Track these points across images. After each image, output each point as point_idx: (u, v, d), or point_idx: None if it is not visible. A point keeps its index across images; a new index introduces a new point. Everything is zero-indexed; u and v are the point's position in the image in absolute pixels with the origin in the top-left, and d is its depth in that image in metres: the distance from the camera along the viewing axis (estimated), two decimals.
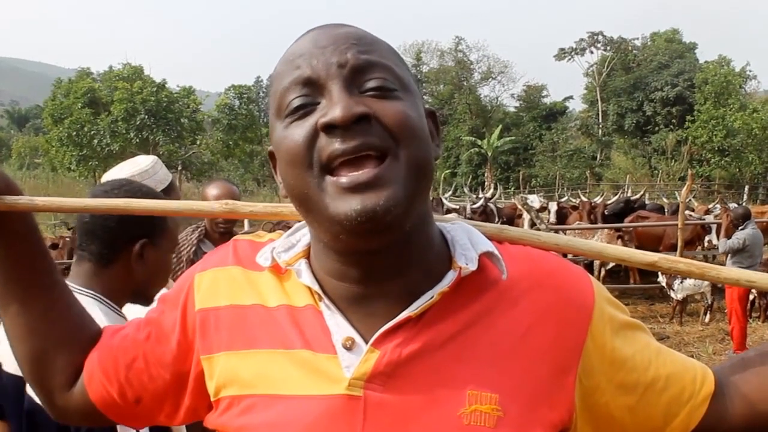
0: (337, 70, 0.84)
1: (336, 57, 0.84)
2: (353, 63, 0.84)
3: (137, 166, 2.60)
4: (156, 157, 2.72)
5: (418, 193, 0.85)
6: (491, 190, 19.99)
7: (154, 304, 1.22)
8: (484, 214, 13.41)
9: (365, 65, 0.85)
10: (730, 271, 1.01)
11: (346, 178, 0.81)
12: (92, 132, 30.81)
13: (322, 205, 0.83)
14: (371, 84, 0.84)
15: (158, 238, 1.71)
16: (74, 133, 30.90)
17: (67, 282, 1.91)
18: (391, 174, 0.82)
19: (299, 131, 0.84)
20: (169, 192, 2.57)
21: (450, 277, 0.89)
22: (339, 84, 0.83)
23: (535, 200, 15.64)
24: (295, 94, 0.85)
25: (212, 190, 3.55)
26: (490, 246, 0.93)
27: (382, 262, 0.88)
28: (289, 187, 0.88)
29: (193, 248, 3.46)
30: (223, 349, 0.95)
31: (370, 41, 0.88)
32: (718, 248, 9.56)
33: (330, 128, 0.81)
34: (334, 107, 0.81)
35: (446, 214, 1.22)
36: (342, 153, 0.81)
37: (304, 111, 0.85)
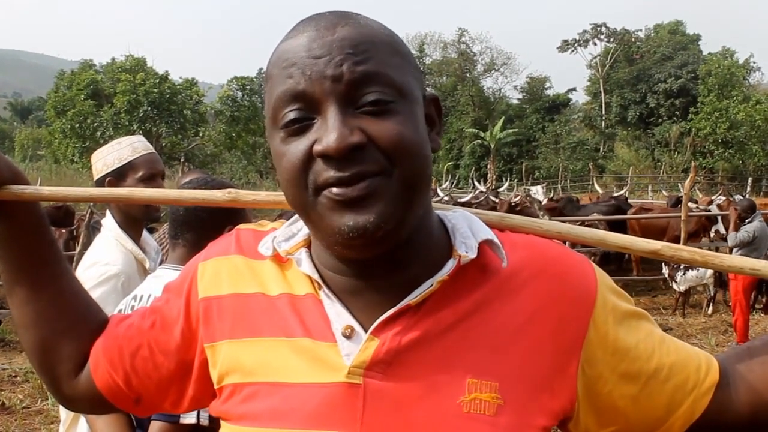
0: (331, 85, 0.82)
1: (330, 70, 0.82)
2: (348, 77, 0.82)
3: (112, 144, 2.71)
4: (137, 137, 2.79)
5: (412, 205, 0.86)
6: (506, 183, 19.90)
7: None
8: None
9: (361, 78, 0.83)
10: (734, 259, 1.01)
11: (338, 190, 0.82)
12: (95, 124, 30.66)
13: (317, 219, 0.85)
14: (368, 98, 0.83)
15: (240, 222, 1.90)
16: (77, 125, 30.75)
17: (167, 263, 2.06)
18: (381, 191, 0.82)
19: (295, 152, 0.84)
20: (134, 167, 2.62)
21: (449, 266, 0.89)
22: (334, 104, 0.82)
23: (538, 191, 15.63)
24: (289, 107, 0.85)
25: None
26: (490, 234, 0.93)
27: (378, 260, 0.88)
28: (287, 198, 0.89)
29: None
30: (225, 337, 0.96)
31: (366, 46, 0.84)
32: (725, 239, 9.55)
33: (326, 157, 0.82)
34: (329, 134, 0.81)
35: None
36: (337, 180, 0.82)
37: (299, 126, 0.84)
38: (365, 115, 0.83)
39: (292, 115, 0.84)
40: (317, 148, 0.82)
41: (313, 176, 0.83)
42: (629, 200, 16.71)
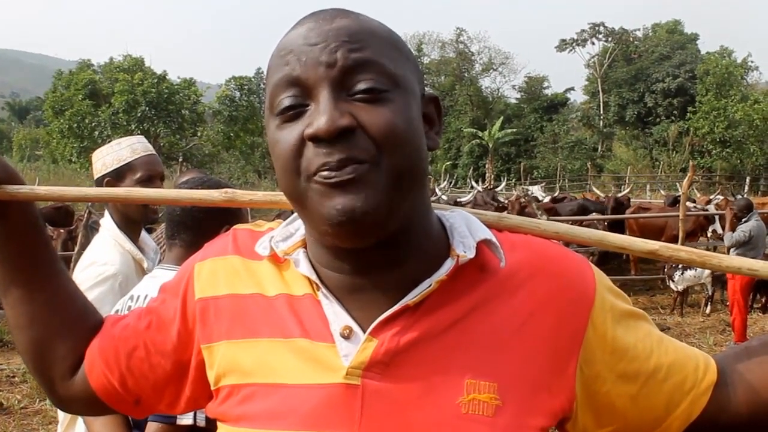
0: (325, 71, 0.83)
1: (325, 56, 0.83)
2: (342, 63, 0.83)
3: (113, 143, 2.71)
4: (138, 137, 2.79)
5: (402, 197, 0.85)
6: (503, 183, 19.91)
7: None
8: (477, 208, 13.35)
9: (355, 65, 0.83)
10: (732, 259, 1.01)
11: (327, 173, 0.82)
12: (93, 124, 30.62)
13: (309, 204, 0.85)
14: (360, 86, 0.83)
15: (236, 222, 1.89)
16: (75, 125, 30.71)
17: (164, 264, 2.06)
18: (368, 179, 0.82)
19: (288, 138, 0.84)
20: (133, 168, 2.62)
21: (448, 266, 0.88)
22: (326, 89, 0.83)
23: (536, 191, 15.67)
24: (284, 93, 0.85)
25: None
26: (488, 234, 0.92)
27: (375, 257, 0.88)
28: (281, 187, 0.89)
29: None
30: (223, 338, 0.95)
31: (363, 36, 0.85)
32: (722, 238, 9.56)
33: (316, 139, 0.82)
34: (319, 118, 0.81)
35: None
36: (327, 166, 0.82)
37: (293, 112, 0.84)
38: (358, 102, 0.83)
39: (287, 102, 0.85)
40: (308, 131, 0.82)
41: (306, 162, 0.83)
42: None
